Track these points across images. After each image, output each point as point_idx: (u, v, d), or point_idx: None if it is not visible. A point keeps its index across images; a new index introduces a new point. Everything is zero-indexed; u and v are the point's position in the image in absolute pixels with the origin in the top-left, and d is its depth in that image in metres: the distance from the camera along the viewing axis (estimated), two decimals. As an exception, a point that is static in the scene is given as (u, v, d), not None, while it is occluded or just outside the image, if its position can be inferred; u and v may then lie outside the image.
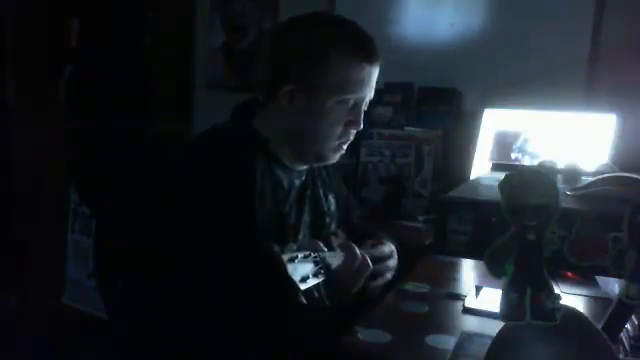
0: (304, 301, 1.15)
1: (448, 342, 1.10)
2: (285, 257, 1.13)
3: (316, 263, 1.18)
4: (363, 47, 1.25)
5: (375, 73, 1.27)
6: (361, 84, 1.25)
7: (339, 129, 1.28)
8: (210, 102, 2.96)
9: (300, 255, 1.15)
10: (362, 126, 1.30)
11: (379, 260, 1.35)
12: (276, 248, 1.15)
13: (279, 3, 2.86)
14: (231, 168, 1.21)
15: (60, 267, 2.91)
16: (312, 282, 1.16)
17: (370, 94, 1.29)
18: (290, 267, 1.12)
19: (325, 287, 1.25)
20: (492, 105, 2.21)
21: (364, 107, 1.30)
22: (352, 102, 1.26)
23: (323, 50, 1.23)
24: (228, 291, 1.12)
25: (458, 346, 1.07)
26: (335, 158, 1.33)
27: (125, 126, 2.76)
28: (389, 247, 1.41)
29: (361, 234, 1.43)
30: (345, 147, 1.32)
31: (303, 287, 1.13)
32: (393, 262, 1.40)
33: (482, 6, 2.47)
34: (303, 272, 1.14)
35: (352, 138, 1.31)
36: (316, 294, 1.21)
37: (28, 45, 2.88)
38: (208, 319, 1.15)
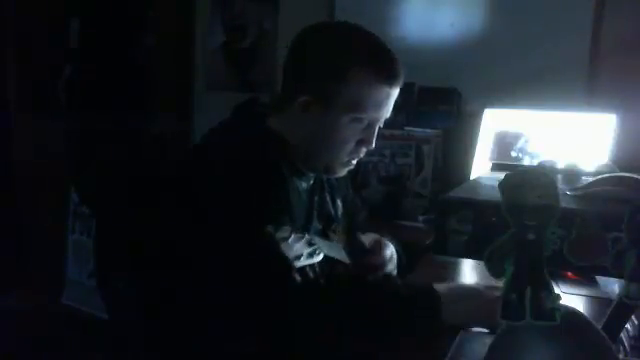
0: (297, 278, 1.15)
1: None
2: (278, 235, 1.12)
3: (310, 245, 1.17)
4: (385, 68, 1.21)
5: (394, 95, 1.24)
6: (378, 105, 1.22)
7: (351, 146, 1.25)
8: (210, 102, 2.97)
9: (293, 235, 1.15)
10: (374, 145, 1.27)
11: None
12: (270, 228, 1.14)
13: (279, 3, 2.86)
14: (264, 173, 1.19)
15: (60, 267, 2.91)
16: (306, 261, 1.15)
17: (386, 115, 1.26)
18: (283, 245, 1.12)
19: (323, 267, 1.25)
20: (492, 105, 2.22)
21: (379, 125, 1.27)
22: (367, 121, 1.23)
23: (344, 66, 1.20)
24: (226, 276, 1.11)
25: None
26: (343, 172, 1.32)
27: (125, 126, 2.76)
28: (390, 249, 1.41)
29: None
30: (354, 162, 1.31)
31: (297, 265, 1.13)
32: (392, 266, 1.40)
33: (482, 6, 2.48)
34: (297, 251, 1.14)
35: (362, 155, 1.30)
36: (311, 274, 1.20)
37: (28, 45, 2.88)
38: (207, 318, 1.15)
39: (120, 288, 1.31)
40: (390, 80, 1.22)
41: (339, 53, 1.22)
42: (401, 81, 1.23)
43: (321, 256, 1.19)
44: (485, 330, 1.10)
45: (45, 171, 2.87)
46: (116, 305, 1.34)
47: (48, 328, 2.63)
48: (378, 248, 1.39)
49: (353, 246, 1.38)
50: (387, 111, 1.25)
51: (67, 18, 2.97)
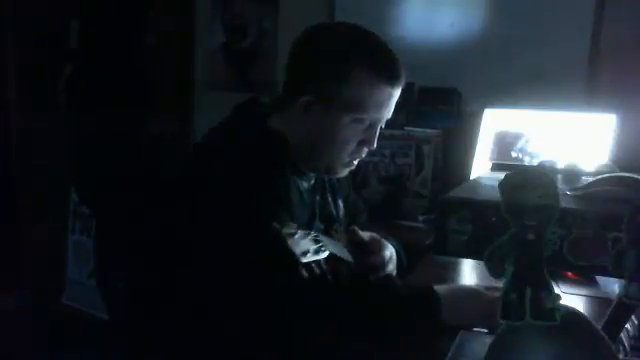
0: (304, 274, 1.15)
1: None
2: (285, 231, 1.12)
3: (316, 242, 1.18)
4: (387, 68, 1.22)
5: (396, 96, 1.24)
6: (380, 106, 1.23)
7: (352, 146, 1.26)
8: (210, 102, 2.97)
9: (300, 232, 1.15)
10: (375, 146, 1.28)
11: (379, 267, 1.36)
12: (276, 224, 1.14)
13: (279, 3, 2.86)
14: (266, 172, 1.19)
15: (60, 267, 2.91)
16: (312, 257, 1.16)
17: (388, 115, 1.26)
18: (290, 241, 1.12)
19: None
20: (492, 105, 2.22)
21: (380, 126, 1.27)
22: (368, 122, 1.24)
23: (346, 66, 1.20)
24: (230, 274, 1.11)
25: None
26: (344, 172, 1.32)
27: (125, 126, 2.76)
28: (389, 250, 1.41)
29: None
30: (355, 163, 1.31)
31: (304, 260, 1.13)
32: (392, 266, 1.40)
33: (482, 6, 2.48)
34: (303, 247, 1.14)
35: (364, 156, 1.30)
36: (317, 270, 1.20)
37: (28, 45, 2.88)
38: (208, 317, 1.15)
39: (120, 288, 1.31)
40: (392, 80, 1.22)
41: (341, 53, 1.22)
42: (403, 81, 1.23)
43: (327, 253, 1.19)
44: (485, 330, 1.10)
45: (45, 171, 2.87)
46: (116, 305, 1.34)
47: (48, 328, 2.63)
48: (378, 248, 1.39)
49: (354, 245, 1.38)
50: (389, 112, 1.25)
51: (67, 18, 2.96)
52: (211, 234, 1.14)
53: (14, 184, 2.98)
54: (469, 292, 1.19)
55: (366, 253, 1.38)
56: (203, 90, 3.08)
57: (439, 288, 1.16)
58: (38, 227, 2.94)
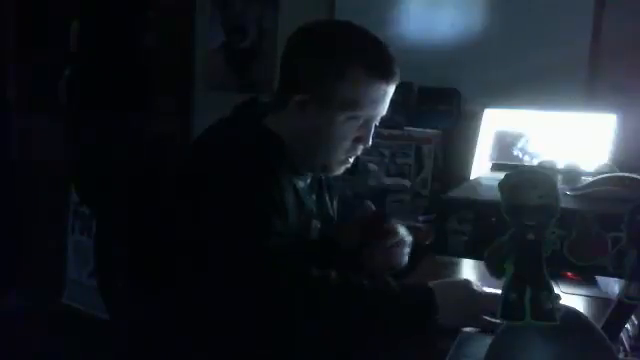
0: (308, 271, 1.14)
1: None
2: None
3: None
4: (382, 65, 1.22)
5: (391, 92, 1.24)
6: (375, 103, 1.23)
7: (347, 144, 1.25)
8: (210, 102, 2.96)
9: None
10: (370, 143, 1.28)
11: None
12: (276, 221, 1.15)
13: (279, 3, 2.86)
14: (261, 173, 1.19)
15: (60, 267, 2.91)
16: None
17: (383, 112, 1.26)
18: None
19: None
20: (492, 105, 2.22)
21: (375, 123, 1.27)
22: (363, 119, 1.24)
23: (340, 64, 1.20)
24: (226, 274, 1.11)
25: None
26: (340, 171, 1.32)
27: (125, 126, 2.76)
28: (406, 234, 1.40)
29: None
30: (352, 161, 1.31)
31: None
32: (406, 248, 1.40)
33: (482, 6, 2.48)
34: None
35: (359, 153, 1.30)
36: (319, 271, 1.20)
37: (28, 45, 2.89)
38: (208, 317, 1.15)
39: (120, 288, 1.31)
40: (387, 77, 1.22)
41: (335, 51, 1.22)
42: (397, 78, 1.24)
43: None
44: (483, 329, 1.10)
45: (45, 171, 2.87)
46: (116, 305, 1.34)
47: (48, 328, 2.63)
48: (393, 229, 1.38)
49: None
50: (383, 108, 1.25)
51: (67, 18, 2.97)
52: (210, 234, 1.14)
53: (14, 184, 2.98)
54: (462, 292, 1.18)
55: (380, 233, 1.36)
56: (203, 90, 3.08)
57: (434, 287, 1.15)
58: (38, 227, 2.94)
